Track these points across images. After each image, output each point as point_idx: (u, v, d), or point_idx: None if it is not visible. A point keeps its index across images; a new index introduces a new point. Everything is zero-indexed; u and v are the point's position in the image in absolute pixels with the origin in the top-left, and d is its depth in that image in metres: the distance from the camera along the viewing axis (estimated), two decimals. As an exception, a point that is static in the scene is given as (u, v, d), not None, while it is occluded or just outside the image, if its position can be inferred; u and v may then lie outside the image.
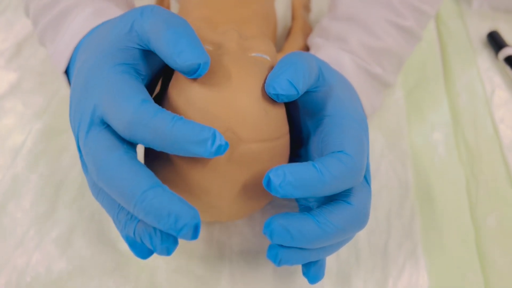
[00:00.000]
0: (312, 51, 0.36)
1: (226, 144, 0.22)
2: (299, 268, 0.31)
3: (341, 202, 0.25)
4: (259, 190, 0.27)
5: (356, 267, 0.32)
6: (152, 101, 0.23)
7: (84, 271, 0.31)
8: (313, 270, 0.27)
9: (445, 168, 0.38)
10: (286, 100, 0.25)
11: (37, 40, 0.36)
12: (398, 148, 0.39)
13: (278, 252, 0.24)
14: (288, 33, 0.42)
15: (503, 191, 0.37)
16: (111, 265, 0.31)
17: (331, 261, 0.32)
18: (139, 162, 0.23)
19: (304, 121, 0.29)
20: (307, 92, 0.27)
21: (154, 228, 0.22)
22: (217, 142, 0.22)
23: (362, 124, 0.27)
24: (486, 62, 0.48)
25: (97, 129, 0.23)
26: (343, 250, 0.32)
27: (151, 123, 0.21)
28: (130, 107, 0.22)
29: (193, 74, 0.24)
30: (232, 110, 0.25)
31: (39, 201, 0.34)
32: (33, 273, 0.31)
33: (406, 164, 0.38)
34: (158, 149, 0.22)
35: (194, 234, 0.21)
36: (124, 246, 0.32)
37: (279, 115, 0.27)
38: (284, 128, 0.28)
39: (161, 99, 0.28)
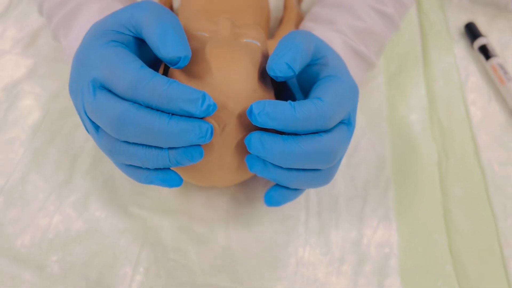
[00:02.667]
0: None
1: (214, 105, 0.26)
2: (289, 231, 0.36)
3: (313, 135, 0.28)
4: None
5: (335, 228, 0.37)
6: (147, 67, 0.27)
7: (99, 230, 0.36)
8: (274, 193, 0.31)
9: (419, 145, 0.43)
10: (284, 80, 0.29)
11: (50, 36, 0.40)
12: (378, 127, 0.44)
13: (253, 162, 0.29)
14: (280, 22, 0.47)
15: (471, 164, 0.42)
16: (122, 225, 0.36)
17: (314, 222, 0.37)
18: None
19: (304, 89, 0.33)
20: (304, 67, 0.31)
21: (183, 147, 0.27)
22: (207, 102, 0.26)
23: (349, 85, 0.30)
24: (462, 51, 0.52)
25: (102, 92, 0.27)
26: (325, 213, 0.37)
27: (150, 83, 0.25)
28: (131, 70, 0.26)
29: (174, 65, 0.28)
30: (223, 88, 0.29)
31: (58, 171, 0.39)
32: (55, 231, 0.35)
33: (384, 141, 0.43)
34: (156, 107, 0.26)
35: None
36: (133, 209, 0.37)
37: (266, 92, 0.31)
38: None
39: None
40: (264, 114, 0.27)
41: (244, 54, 0.30)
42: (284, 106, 0.27)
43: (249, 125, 0.30)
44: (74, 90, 0.29)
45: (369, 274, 0.34)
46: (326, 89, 0.29)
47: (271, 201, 0.31)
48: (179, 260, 0.34)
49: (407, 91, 0.47)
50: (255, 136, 0.28)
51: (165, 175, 0.29)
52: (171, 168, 0.30)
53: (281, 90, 0.35)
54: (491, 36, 0.53)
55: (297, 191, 0.31)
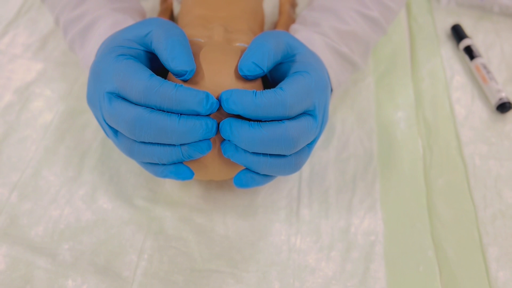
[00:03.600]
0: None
1: (217, 102, 0.30)
2: (282, 221, 0.39)
3: (275, 122, 0.31)
4: None
5: (325, 218, 0.39)
6: (156, 75, 0.30)
7: (106, 221, 0.39)
8: (243, 175, 0.33)
9: (405, 140, 0.45)
10: (255, 78, 0.32)
11: (67, 47, 0.43)
12: (366, 124, 0.46)
13: (227, 147, 0.31)
14: (275, 27, 0.50)
15: (453, 158, 0.44)
16: (128, 216, 0.39)
17: (305, 213, 0.39)
18: None
19: (274, 82, 0.36)
20: (278, 64, 0.33)
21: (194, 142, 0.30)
22: (210, 101, 0.29)
23: (316, 79, 0.32)
24: (449, 52, 0.55)
25: (117, 100, 0.30)
26: (315, 203, 0.40)
27: (160, 89, 0.29)
28: (143, 79, 0.29)
29: (181, 77, 0.31)
30: (216, 89, 0.32)
31: (68, 167, 0.42)
32: (65, 222, 0.38)
33: (372, 137, 0.45)
34: (166, 109, 0.29)
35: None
36: (138, 202, 0.40)
37: (254, 88, 0.34)
38: None
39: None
40: (230, 101, 0.30)
41: (234, 56, 0.33)
42: (248, 94, 0.30)
43: None
44: (92, 100, 0.33)
45: (356, 260, 0.37)
46: (290, 82, 0.32)
47: (239, 183, 0.33)
48: (180, 248, 0.37)
49: (395, 90, 0.50)
50: (226, 121, 0.31)
51: (179, 169, 0.32)
52: (184, 162, 0.33)
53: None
54: (476, 38, 0.56)
55: (266, 177, 0.34)
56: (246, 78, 0.32)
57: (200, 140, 0.31)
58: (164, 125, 0.29)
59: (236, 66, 0.33)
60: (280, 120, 0.31)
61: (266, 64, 0.31)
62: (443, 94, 0.50)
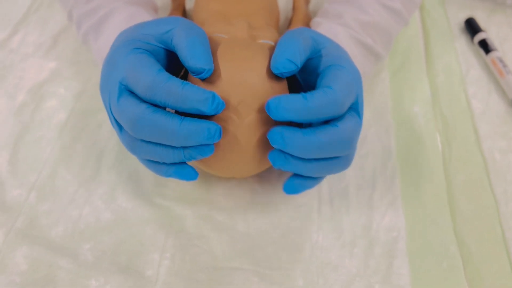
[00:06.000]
0: (312, 28, 0.43)
1: (223, 103, 0.29)
2: (303, 218, 0.39)
3: (328, 125, 0.30)
4: (266, 152, 0.34)
5: (346, 214, 0.39)
6: (165, 71, 0.30)
7: (126, 220, 0.38)
8: (294, 182, 0.33)
9: (423, 136, 0.45)
10: (289, 75, 0.32)
11: (80, 40, 0.43)
12: (383, 120, 0.46)
13: (276, 158, 0.31)
14: (289, 22, 0.49)
15: (473, 153, 0.44)
16: (148, 215, 0.38)
17: (326, 210, 0.39)
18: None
19: (307, 81, 0.35)
20: (307, 60, 0.33)
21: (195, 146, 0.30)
22: (216, 101, 0.29)
23: (353, 72, 0.33)
24: (463, 46, 0.55)
25: (125, 95, 0.30)
26: (336, 200, 0.40)
27: (166, 86, 0.28)
28: (150, 74, 0.29)
29: (198, 75, 0.31)
30: (244, 87, 0.32)
31: (85, 166, 0.41)
32: (85, 222, 0.38)
33: (390, 133, 0.45)
34: (172, 107, 0.29)
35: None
36: (157, 200, 0.39)
37: (282, 87, 0.33)
38: None
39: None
40: (280, 108, 0.29)
41: (259, 52, 0.33)
42: (297, 98, 0.30)
43: (268, 118, 0.32)
44: (104, 89, 0.32)
45: (379, 256, 0.37)
46: (333, 78, 0.31)
47: (290, 190, 0.33)
48: (202, 246, 0.37)
49: (410, 85, 0.50)
50: (276, 131, 0.30)
51: (182, 169, 0.32)
52: (188, 163, 0.33)
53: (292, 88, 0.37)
54: (489, 31, 0.56)
55: (316, 179, 0.34)
56: (281, 76, 0.32)
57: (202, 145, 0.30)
58: (165, 126, 0.29)
59: (263, 61, 0.32)
60: (330, 121, 0.30)
61: (299, 60, 0.31)
62: (459, 88, 0.50)
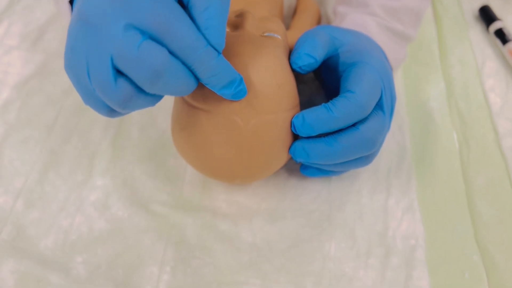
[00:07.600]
0: (337, 19, 0.41)
1: (245, 91, 0.28)
2: (313, 226, 0.36)
3: (350, 129, 0.30)
4: (272, 156, 0.31)
5: (359, 221, 0.36)
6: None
7: (122, 230, 0.35)
8: (312, 167, 0.34)
9: (439, 133, 0.42)
10: (309, 70, 0.31)
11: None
12: (397, 116, 0.43)
13: (303, 169, 0.34)
14: (294, 11, 0.46)
15: (492, 153, 0.41)
16: (145, 224, 0.35)
17: (337, 216, 0.36)
18: None
19: (332, 81, 0.35)
20: (328, 58, 0.33)
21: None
22: (240, 87, 0.27)
23: (377, 66, 0.32)
24: (478, 35, 0.51)
25: (148, 40, 0.24)
26: (348, 206, 0.37)
27: (203, 53, 0.25)
28: (191, 34, 0.24)
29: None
30: (249, 86, 0.29)
31: (76, 170, 0.38)
32: (77, 232, 0.35)
33: (404, 130, 0.42)
34: (196, 73, 0.25)
35: None
36: (155, 207, 0.36)
37: (291, 88, 0.30)
38: (296, 100, 0.32)
39: None
40: (306, 125, 0.30)
41: (267, 50, 0.30)
42: (320, 110, 0.29)
43: (274, 123, 0.30)
44: (95, 27, 0.24)
45: (397, 266, 0.34)
46: (355, 79, 0.31)
47: (307, 171, 0.35)
48: (205, 258, 0.34)
49: (424, 79, 0.47)
50: (298, 145, 0.31)
51: None
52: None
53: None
54: (506, 20, 0.52)
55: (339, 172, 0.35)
56: (300, 71, 0.31)
57: None
58: (189, 84, 0.26)
59: (271, 60, 0.30)
60: (354, 125, 0.30)
61: (317, 55, 0.31)
62: (475, 81, 0.47)
